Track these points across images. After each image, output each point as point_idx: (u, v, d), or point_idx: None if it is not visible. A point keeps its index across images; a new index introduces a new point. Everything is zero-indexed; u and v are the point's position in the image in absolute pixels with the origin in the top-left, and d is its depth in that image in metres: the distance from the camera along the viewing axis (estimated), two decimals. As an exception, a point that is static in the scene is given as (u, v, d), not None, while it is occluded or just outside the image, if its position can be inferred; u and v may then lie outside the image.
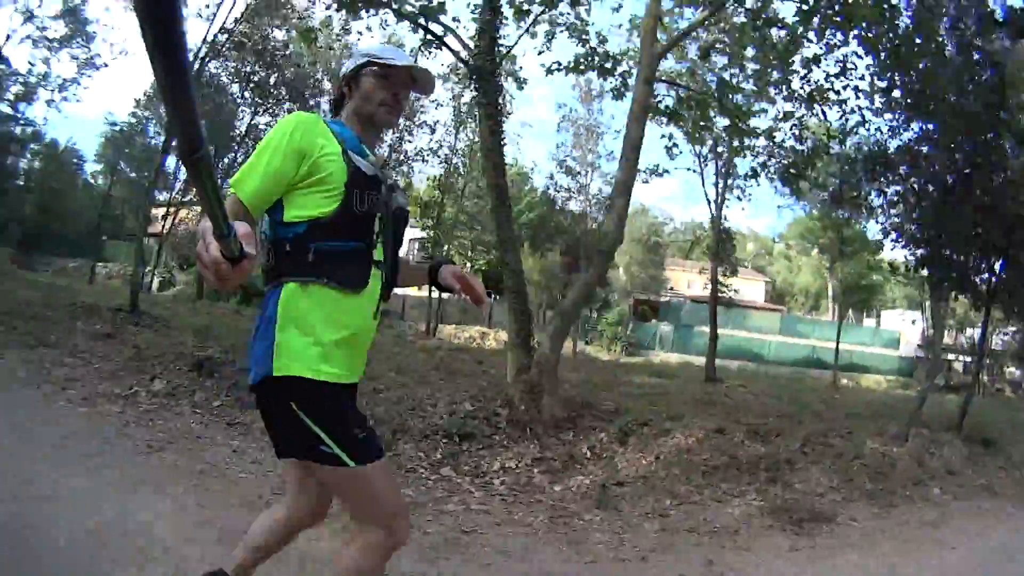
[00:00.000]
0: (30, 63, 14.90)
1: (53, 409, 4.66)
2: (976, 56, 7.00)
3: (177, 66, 0.48)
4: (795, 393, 12.68)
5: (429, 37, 6.40)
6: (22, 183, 24.28)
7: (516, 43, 7.00)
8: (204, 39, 10.15)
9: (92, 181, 29.61)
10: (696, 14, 8.66)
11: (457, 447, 4.95)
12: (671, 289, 38.60)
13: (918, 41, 6.93)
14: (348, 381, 1.58)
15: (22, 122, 18.85)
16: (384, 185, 1.64)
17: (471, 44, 5.99)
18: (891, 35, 7.03)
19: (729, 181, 15.28)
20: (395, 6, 6.08)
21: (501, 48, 6.20)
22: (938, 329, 12.30)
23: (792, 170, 9.25)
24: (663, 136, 9.85)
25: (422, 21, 6.17)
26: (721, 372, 16.60)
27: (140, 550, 2.51)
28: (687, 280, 37.53)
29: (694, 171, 15.93)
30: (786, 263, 54.50)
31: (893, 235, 8.19)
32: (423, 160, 19.38)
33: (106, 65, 16.40)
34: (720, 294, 16.33)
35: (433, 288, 2.01)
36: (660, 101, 8.31)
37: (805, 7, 6.75)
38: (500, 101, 6.59)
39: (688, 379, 14.08)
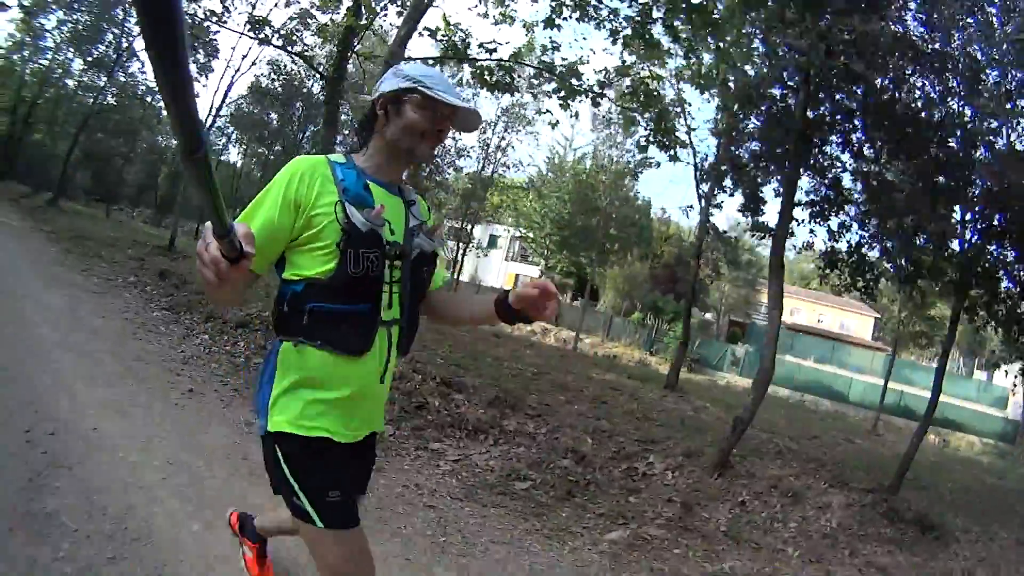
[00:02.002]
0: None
1: (72, 275, 8.80)
2: None
3: (176, 65, 0.51)
4: (786, 423, 12.07)
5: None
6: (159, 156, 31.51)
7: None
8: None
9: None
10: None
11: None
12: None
13: None
14: (343, 440, 1.60)
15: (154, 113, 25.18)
16: (384, 241, 1.57)
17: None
18: None
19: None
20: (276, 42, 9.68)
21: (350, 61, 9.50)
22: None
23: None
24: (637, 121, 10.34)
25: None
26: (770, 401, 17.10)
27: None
28: (790, 308, 37.81)
29: (687, 163, 15.29)
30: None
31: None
32: (466, 156, 22.81)
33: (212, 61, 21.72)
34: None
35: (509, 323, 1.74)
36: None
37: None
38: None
39: (647, 384, 14.57)
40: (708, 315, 37.73)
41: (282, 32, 9.56)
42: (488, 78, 8.86)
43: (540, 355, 15.18)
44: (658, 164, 16.76)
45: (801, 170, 6.61)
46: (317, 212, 1.51)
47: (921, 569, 4.70)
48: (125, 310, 7.33)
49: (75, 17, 20.62)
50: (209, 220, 0.87)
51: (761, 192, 7.23)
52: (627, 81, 9.36)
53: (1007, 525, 6.61)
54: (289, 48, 9.65)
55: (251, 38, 10.21)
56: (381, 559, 2.61)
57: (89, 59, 21.18)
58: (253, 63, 15.66)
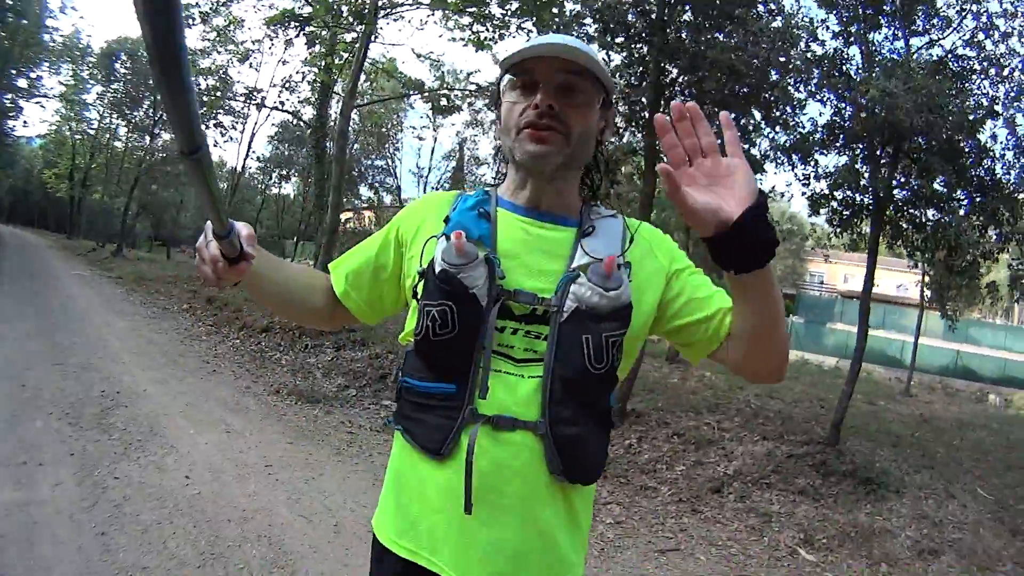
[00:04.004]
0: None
1: (135, 307, 11.03)
2: None
3: (175, 63, 0.51)
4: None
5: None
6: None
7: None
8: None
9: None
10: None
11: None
12: (821, 283, 39.21)
13: None
14: (431, 568, 1.09)
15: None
16: (471, 286, 1.04)
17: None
18: None
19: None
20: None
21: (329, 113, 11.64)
22: None
23: None
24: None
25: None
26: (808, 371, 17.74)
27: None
28: (843, 274, 38.02)
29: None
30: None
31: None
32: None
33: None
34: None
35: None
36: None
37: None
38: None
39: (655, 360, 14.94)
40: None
41: (279, 94, 11.86)
42: (437, 103, 10.79)
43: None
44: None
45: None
46: (412, 254, 1.19)
47: (826, 520, 4.78)
48: (176, 328, 9.44)
49: (113, 87, 23.86)
50: (210, 220, 0.87)
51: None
52: None
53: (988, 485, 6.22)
54: (280, 108, 12.06)
55: (248, 104, 12.60)
56: (307, 453, 4.84)
57: (131, 123, 24.43)
58: (268, 115, 18.69)
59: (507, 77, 1.15)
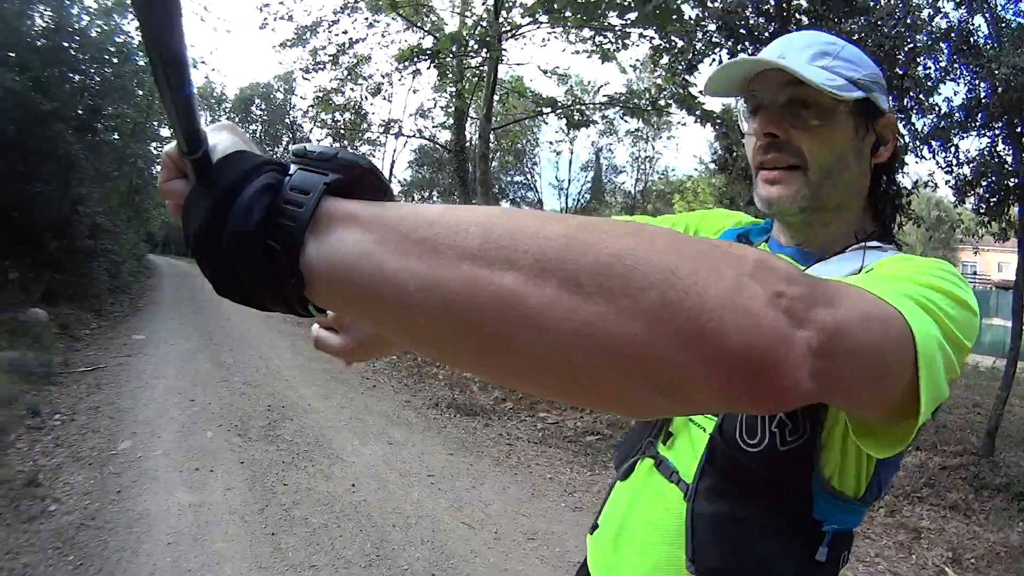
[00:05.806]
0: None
1: (293, 328, 12.07)
2: None
3: (175, 62, 0.49)
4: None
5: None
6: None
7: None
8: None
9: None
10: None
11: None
12: (974, 274, 36.29)
13: None
14: None
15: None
16: None
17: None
18: None
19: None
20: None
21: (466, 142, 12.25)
22: None
23: None
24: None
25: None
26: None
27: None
28: (997, 262, 35.06)
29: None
30: None
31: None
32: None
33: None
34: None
35: None
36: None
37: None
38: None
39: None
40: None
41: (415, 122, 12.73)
42: (571, 117, 11.11)
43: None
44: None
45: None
46: None
47: (976, 538, 4.69)
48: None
49: (251, 128, 26.48)
50: None
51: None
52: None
53: None
54: (419, 135, 12.98)
55: (386, 134, 13.56)
56: (467, 464, 5.29)
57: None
58: (406, 142, 19.92)
59: (741, 103, 0.98)
